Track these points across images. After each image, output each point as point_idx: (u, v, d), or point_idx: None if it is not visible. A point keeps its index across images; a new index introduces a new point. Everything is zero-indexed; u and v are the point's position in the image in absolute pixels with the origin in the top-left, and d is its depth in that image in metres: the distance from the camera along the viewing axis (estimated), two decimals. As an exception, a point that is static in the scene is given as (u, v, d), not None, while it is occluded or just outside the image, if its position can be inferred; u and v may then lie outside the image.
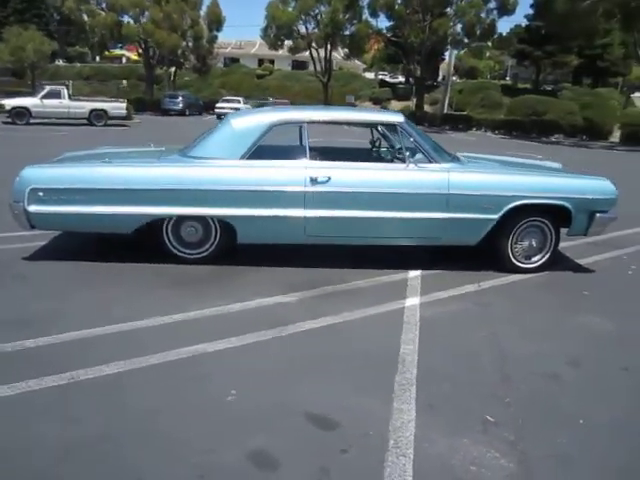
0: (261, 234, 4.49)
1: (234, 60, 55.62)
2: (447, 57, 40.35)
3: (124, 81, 35.47)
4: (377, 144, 5.49)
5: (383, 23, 38.93)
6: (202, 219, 4.44)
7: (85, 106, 19.44)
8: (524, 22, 46.16)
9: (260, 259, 4.67)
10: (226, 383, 2.74)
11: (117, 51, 50.81)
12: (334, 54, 37.70)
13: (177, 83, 38.49)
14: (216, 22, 35.44)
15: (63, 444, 2.21)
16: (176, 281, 4.17)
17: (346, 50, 35.96)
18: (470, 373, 2.99)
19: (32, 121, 18.61)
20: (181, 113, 29.97)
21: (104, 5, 31.63)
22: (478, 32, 30.02)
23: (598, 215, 4.65)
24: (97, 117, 19.37)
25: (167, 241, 4.47)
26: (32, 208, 4.21)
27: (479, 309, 3.94)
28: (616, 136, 28.22)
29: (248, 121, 4.50)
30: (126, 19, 32.14)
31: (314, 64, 35.51)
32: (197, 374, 2.82)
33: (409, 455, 2.25)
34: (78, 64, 46.73)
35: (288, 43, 35.03)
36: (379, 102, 46.06)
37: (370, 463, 2.20)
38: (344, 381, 2.83)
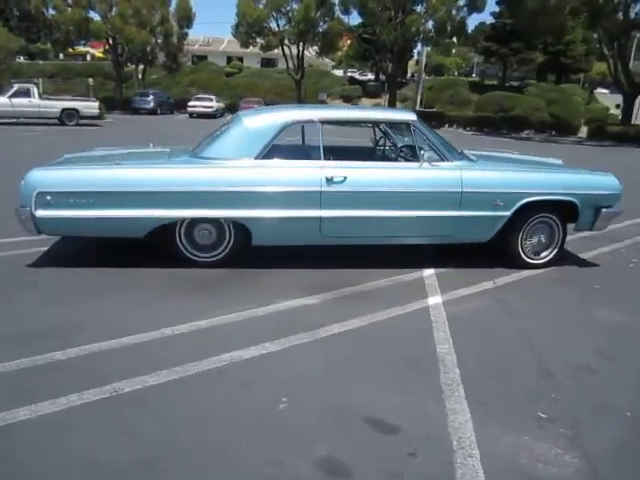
0: (276, 235, 4.43)
1: (202, 57, 54.84)
2: (416, 55, 40.79)
3: (90, 79, 34.43)
4: (382, 142, 5.49)
5: (355, 20, 39.08)
6: (216, 221, 4.35)
7: (56, 105, 18.81)
8: (490, 20, 47.03)
9: (272, 261, 4.61)
10: (273, 390, 2.68)
11: (81, 48, 49.39)
12: (305, 52, 37.62)
13: (145, 81, 37.69)
14: (186, 19, 34.85)
15: (121, 461, 2.13)
16: (193, 285, 4.07)
17: (317, 48, 35.83)
18: (510, 370, 3.02)
19: (0, 121, 17.92)
20: (152, 112, 29.36)
21: (70, 0, 30.64)
22: (449, 29, 30.39)
23: (604, 210, 4.76)
24: (69, 116, 18.78)
25: (180, 244, 4.37)
26: (39, 213, 4.05)
27: (500, 306, 3.98)
28: (583, 132, 29.04)
29: (261, 120, 4.42)
30: (93, 15, 31.33)
31: (286, 61, 35.33)
32: (241, 382, 2.75)
33: (475, 455, 2.25)
34: (41, 61, 45.22)
35: (259, 40, 34.69)
36: (349, 99, 46.21)
37: (439, 465, 2.19)
38: (391, 383, 2.82)
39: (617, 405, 2.69)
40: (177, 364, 2.86)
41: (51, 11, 31.88)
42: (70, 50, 43.72)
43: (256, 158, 4.28)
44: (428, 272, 4.63)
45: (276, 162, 4.32)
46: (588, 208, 4.73)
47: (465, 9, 30.54)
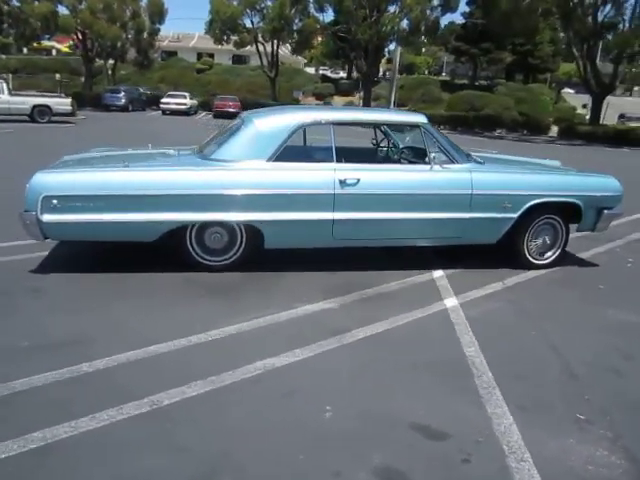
0: (289, 238, 4.39)
1: (171, 53, 54.03)
2: (388, 54, 41.03)
3: (57, 75, 33.44)
4: (389, 144, 5.48)
5: (329, 18, 38.96)
6: (227, 224, 4.28)
7: (27, 102, 18.19)
8: (460, 20, 47.74)
9: (282, 264, 4.56)
10: (315, 398, 2.66)
11: (46, 42, 47.93)
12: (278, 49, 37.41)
13: (115, 77, 36.84)
14: (158, 14, 34.20)
15: (179, 479, 2.07)
16: (209, 290, 4.00)
17: (290, 45, 35.69)
18: (538, 372, 3.07)
19: (-34, 118, 17.26)
20: (124, 109, 28.69)
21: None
22: (423, 29, 30.70)
23: (605, 211, 4.89)
24: (40, 113, 18.18)
25: (191, 249, 4.28)
26: (46, 217, 3.90)
27: (514, 307, 4.04)
28: (554, 131, 29.77)
29: (274, 122, 4.36)
30: (61, 9, 30.36)
31: (260, 59, 35.08)
32: (280, 391, 2.71)
33: (528, 459, 2.27)
34: (3, 56, 43.69)
35: (233, 37, 34.33)
36: (322, 97, 46.25)
37: (495, 471, 2.20)
38: (427, 387, 2.83)
39: (648, 405, 2.76)
40: (211, 373, 2.80)
41: (15, 2, 30.77)
42: (35, 45, 42.38)
43: (268, 160, 4.23)
44: (438, 273, 4.67)
45: (289, 164, 4.28)
46: (591, 209, 4.84)
47: (439, 9, 30.87)
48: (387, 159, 4.98)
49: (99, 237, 4.19)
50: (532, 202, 4.62)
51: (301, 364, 2.99)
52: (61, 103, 18.95)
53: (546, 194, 4.68)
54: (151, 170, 4.21)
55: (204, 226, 4.25)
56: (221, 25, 32.42)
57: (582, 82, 27.82)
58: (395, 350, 3.24)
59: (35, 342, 3.05)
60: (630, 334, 3.66)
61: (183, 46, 55.26)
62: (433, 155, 4.49)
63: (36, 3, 29.26)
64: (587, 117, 34.99)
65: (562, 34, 39.33)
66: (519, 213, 4.62)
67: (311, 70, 59.92)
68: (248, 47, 36.36)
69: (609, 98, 28.73)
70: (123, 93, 29.00)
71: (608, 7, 25.37)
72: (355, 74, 52.46)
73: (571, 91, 55.45)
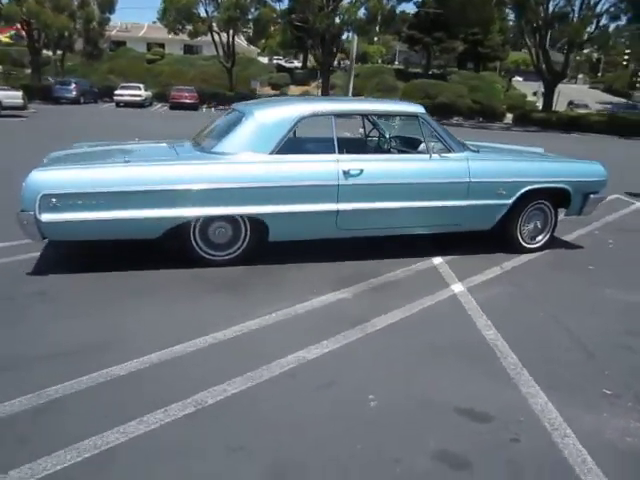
0: (293, 231, 4.37)
1: (120, 43, 52.15)
2: (345, 43, 41.03)
3: (-1, 66, 31.81)
4: (373, 134, 5.53)
5: (285, 7, 38.48)
6: (231, 218, 4.22)
7: (-26, 95, 17.25)
8: (413, 9, 48.27)
9: (285, 257, 4.54)
10: (354, 388, 2.69)
11: (-17, 32, 45.34)
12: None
13: (64, 69, 35.28)
14: (107, 3, 32.89)
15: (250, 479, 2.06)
16: (220, 286, 3.95)
17: (247, 34, 35.15)
18: (557, 352, 3.19)
19: None
20: (75, 101, 27.51)
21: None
22: (380, 17, 30.87)
23: (592, 196, 5.11)
24: (-11, 107, 17.28)
25: (195, 244, 4.20)
26: (45, 217, 3.74)
27: (518, 290, 4.19)
28: (509, 118, 30.65)
29: (276, 114, 4.32)
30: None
31: (216, 49, 34.41)
32: (319, 383, 2.72)
33: (570, 435, 2.38)
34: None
35: (188, 27, 33.48)
36: (278, 87, 45.88)
37: (544, 448, 2.30)
38: (458, 371, 2.90)
39: (663, 377, 2.93)
40: (247, 369, 2.78)
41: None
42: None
43: (271, 153, 4.19)
44: (437, 260, 4.77)
45: (292, 157, 4.26)
46: (578, 194, 5.05)
47: (395, -1, 31.11)
48: (385, 149, 5.02)
49: (100, 236, 4.05)
50: (526, 188, 4.77)
51: (332, 355, 3.01)
52: (11, 96, 18.07)
53: (538, 180, 4.84)
54: (154, 165, 4.09)
55: (208, 221, 4.18)
56: (175, 14, 31.55)
57: (535, 70, 28.73)
58: (417, 337, 3.30)
59: (54, 348, 2.93)
60: (631, 313, 3.85)
61: (132, 36, 53.40)
62: (432, 144, 4.57)
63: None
64: (537, 104, 36.24)
65: (511, 23, 40.51)
66: (513, 199, 4.76)
67: (264, 60, 59.25)
68: (202, 37, 35.52)
69: (558, 85, 29.79)
70: (74, 85, 27.80)
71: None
72: (310, 63, 52.32)
73: (520, 79, 57.25)
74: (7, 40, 45.25)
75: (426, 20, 45.89)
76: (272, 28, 46.05)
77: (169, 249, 4.29)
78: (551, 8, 26.08)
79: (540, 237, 5.13)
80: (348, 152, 4.42)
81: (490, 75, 48.35)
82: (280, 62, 58.64)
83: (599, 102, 44.87)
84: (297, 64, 58.41)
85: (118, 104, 28.43)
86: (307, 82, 47.83)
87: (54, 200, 3.75)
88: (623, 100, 47.08)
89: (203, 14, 32.84)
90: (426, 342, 3.24)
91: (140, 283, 3.93)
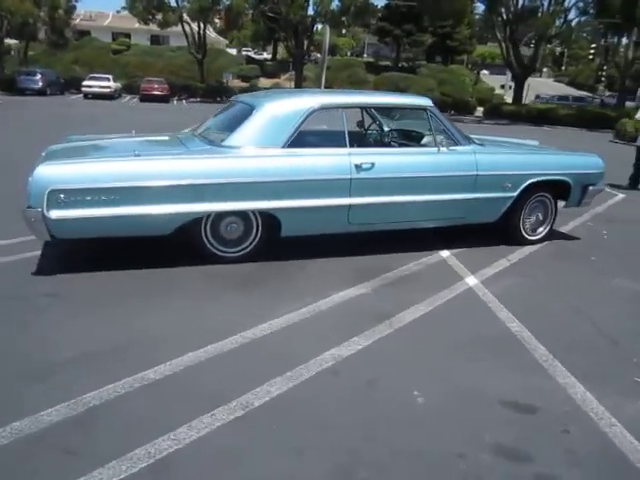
0: (306, 225, 4.31)
1: (84, 33, 50.52)
2: (316, 34, 40.80)
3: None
4: (372, 127, 5.48)
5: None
6: (243, 213, 4.13)
7: None
8: (383, 1, 48.30)
9: (295, 253, 4.48)
10: (398, 384, 2.67)
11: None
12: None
13: (27, 58, 33.94)
14: (73, -10, 31.78)
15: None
16: (237, 283, 3.86)
17: (217, 26, 34.54)
18: (583, 341, 3.25)
19: None
20: (41, 92, 26.48)
21: None
22: (353, 9, 30.80)
23: (590, 188, 5.21)
24: (-48, 99, 16.45)
25: (206, 240, 4.10)
26: (53, 214, 3.58)
27: (530, 281, 4.25)
28: (479, 111, 31.10)
29: (287, 106, 4.23)
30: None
31: (187, 39, 33.71)
32: (362, 380, 2.69)
33: (616, 424, 2.42)
34: None
35: (158, 17, 32.64)
36: (248, 79, 45.33)
37: (595, 437, 2.33)
38: (493, 364, 2.92)
39: (688, 364, 3.02)
40: (286, 369, 2.73)
41: None
42: None
43: (283, 146, 4.12)
44: (445, 254, 4.79)
45: (304, 150, 4.19)
46: (578, 186, 5.15)
47: (367, -10, 31.02)
48: (392, 143, 5.00)
49: (111, 233, 3.90)
50: (530, 181, 4.83)
51: (367, 352, 2.98)
52: (-24, 87, 17.24)
53: (542, 173, 4.91)
54: (166, 159, 3.96)
55: (220, 216, 4.08)
56: (145, 3, 30.70)
57: (504, 63, 29.19)
58: (445, 331, 3.30)
59: (80, 352, 2.81)
60: (642, 301, 3.95)
61: (97, 25, 51.77)
62: (440, 138, 4.57)
63: None
64: (505, 97, 36.91)
65: (478, 17, 41.06)
66: (518, 192, 4.82)
67: (233, 51, 58.40)
68: (172, 28, 34.75)
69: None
70: (40, 76, 26.72)
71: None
72: (279, 55, 51.85)
73: (486, 72, 58.15)
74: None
75: (396, 12, 45.99)
76: (244, 19, 45.45)
77: (169, 245, 4.18)
78: (521, 2, 26.63)
79: (541, 229, 5.22)
80: (359, 146, 4.38)
81: (458, 68, 48.93)
82: (249, 54, 57.88)
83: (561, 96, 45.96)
84: (266, 56, 57.81)
85: (86, 95, 27.53)
86: (278, 74, 47.44)
87: (62, 196, 3.59)
88: (585, 93, 48.26)
89: (173, 3, 32.05)
90: (454, 336, 3.24)
91: (151, 281, 3.81)
